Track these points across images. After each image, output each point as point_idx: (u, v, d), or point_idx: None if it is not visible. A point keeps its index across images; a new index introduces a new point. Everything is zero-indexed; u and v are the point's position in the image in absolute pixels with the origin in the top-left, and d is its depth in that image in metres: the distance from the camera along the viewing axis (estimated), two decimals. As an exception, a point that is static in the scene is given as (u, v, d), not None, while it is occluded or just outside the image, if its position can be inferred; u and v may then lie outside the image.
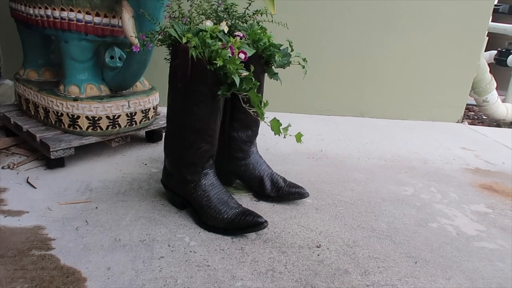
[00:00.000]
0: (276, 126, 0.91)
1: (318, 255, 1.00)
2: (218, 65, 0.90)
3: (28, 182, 1.21)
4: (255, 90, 0.92)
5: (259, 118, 0.93)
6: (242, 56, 0.92)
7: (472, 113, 2.98)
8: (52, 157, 1.25)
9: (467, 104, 2.42)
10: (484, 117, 2.87)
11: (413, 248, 1.07)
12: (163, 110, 1.41)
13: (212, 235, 1.03)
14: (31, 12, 1.29)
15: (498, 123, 2.74)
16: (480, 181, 1.54)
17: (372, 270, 0.96)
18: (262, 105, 0.94)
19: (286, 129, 0.92)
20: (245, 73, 0.93)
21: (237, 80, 0.91)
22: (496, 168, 1.68)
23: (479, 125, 2.57)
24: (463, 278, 0.97)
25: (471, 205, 1.33)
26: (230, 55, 0.91)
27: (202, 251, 0.97)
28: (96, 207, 1.12)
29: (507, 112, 2.67)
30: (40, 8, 1.26)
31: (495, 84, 2.58)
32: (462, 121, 2.35)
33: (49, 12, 1.25)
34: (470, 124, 2.45)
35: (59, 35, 1.27)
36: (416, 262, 1.00)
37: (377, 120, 2.22)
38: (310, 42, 2.06)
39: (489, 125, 2.66)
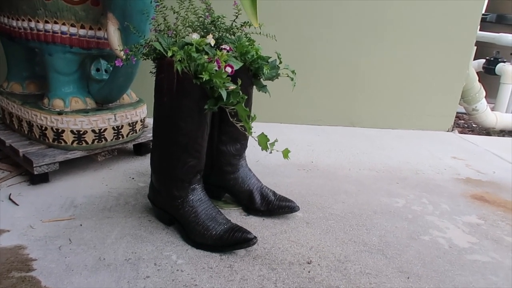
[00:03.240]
0: (263, 141, 0.89)
1: (309, 272, 0.97)
2: (204, 79, 0.88)
3: (10, 199, 1.17)
4: (243, 104, 0.91)
5: (246, 133, 0.91)
6: (228, 69, 0.90)
7: (462, 121, 3.00)
8: (36, 172, 1.21)
9: (457, 113, 2.43)
10: (474, 125, 2.89)
11: (405, 262, 1.05)
12: (151, 122, 1.39)
13: (200, 252, 1.01)
14: (14, 24, 1.26)
15: (487, 132, 2.76)
16: (471, 191, 1.53)
17: (364, 287, 0.94)
18: (250, 119, 0.93)
19: (273, 144, 0.90)
20: (232, 87, 0.91)
21: (224, 94, 0.89)
22: (487, 178, 1.68)
23: (469, 134, 2.58)
24: (456, 294, 0.95)
25: (463, 217, 1.32)
26: (217, 69, 0.89)
27: (189, 269, 0.94)
28: (81, 224, 1.08)
29: (496, 120, 2.69)
30: (23, 20, 1.24)
31: (484, 93, 2.60)
32: (452, 130, 2.35)
33: (32, 24, 1.22)
34: (460, 133, 2.46)
35: (43, 47, 1.25)
36: (408, 278, 0.99)
37: (367, 129, 2.21)
38: (299, 53, 2.06)
39: (479, 134, 2.68)
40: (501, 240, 1.20)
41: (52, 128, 1.27)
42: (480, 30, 3.07)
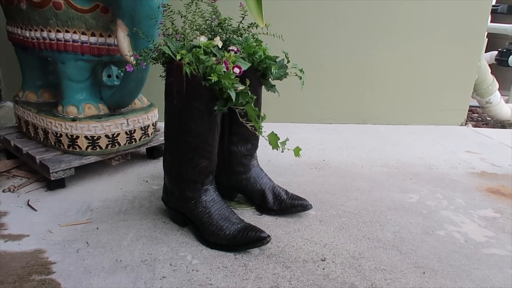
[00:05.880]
0: (274, 140, 0.90)
1: (323, 269, 0.98)
2: (213, 80, 0.89)
3: (28, 205, 1.20)
4: (252, 104, 0.91)
5: (256, 133, 0.92)
6: (236, 70, 0.91)
7: (476, 115, 2.95)
8: (52, 178, 1.24)
9: (470, 106, 2.40)
10: (488, 118, 2.84)
11: (420, 257, 1.04)
12: (163, 126, 1.41)
13: (215, 252, 1.02)
14: (27, 34, 1.30)
15: (502, 124, 2.71)
16: (486, 185, 1.51)
17: (379, 283, 0.93)
18: (260, 119, 0.94)
19: (284, 143, 0.91)
20: (241, 87, 0.92)
21: (233, 95, 0.90)
22: (503, 171, 1.65)
23: (483, 127, 2.55)
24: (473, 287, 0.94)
25: (478, 210, 1.31)
26: (225, 70, 0.90)
27: (204, 269, 0.95)
28: (97, 228, 1.10)
29: (511, 112, 2.64)
30: (36, 30, 1.27)
31: (497, 85, 2.56)
32: (465, 124, 2.32)
33: (45, 34, 1.25)
34: (474, 127, 2.43)
35: (55, 56, 1.28)
36: (424, 273, 0.98)
37: (379, 126, 2.20)
38: (308, 51, 2.06)
39: (493, 127, 2.64)
40: (518, 233, 1.18)
41: (67, 135, 1.30)
42: (491, 21, 3.02)
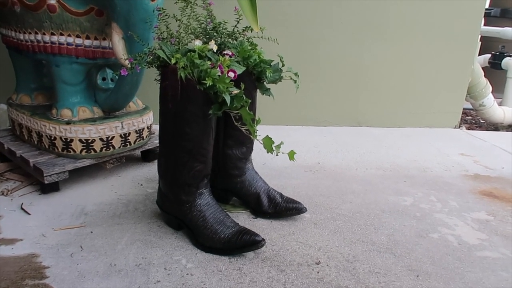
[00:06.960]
0: (268, 144, 0.90)
1: (318, 272, 0.98)
2: (207, 84, 0.89)
3: (22, 209, 1.19)
4: (247, 108, 0.92)
5: (251, 136, 0.92)
6: (231, 74, 0.91)
7: (470, 117, 2.98)
8: (46, 182, 1.24)
9: (464, 109, 2.42)
10: (481, 121, 2.87)
11: (414, 260, 1.05)
12: (158, 128, 1.41)
13: (209, 256, 1.02)
14: (22, 37, 1.29)
15: (496, 127, 2.73)
16: (480, 187, 1.52)
17: (373, 286, 0.94)
18: (254, 122, 0.94)
19: (278, 146, 0.91)
20: (235, 91, 0.92)
21: (227, 99, 0.90)
22: (496, 173, 1.66)
23: (477, 130, 2.57)
24: (466, 291, 0.95)
25: (471, 213, 1.32)
26: (220, 74, 0.90)
27: (199, 273, 0.95)
28: (91, 232, 1.10)
29: (504, 115, 2.67)
30: (30, 33, 1.26)
31: (490, 88, 2.58)
32: (459, 126, 2.34)
33: (39, 36, 1.25)
34: (468, 129, 2.45)
35: (50, 59, 1.27)
36: (418, 276, 0.99)
37: (374, 129, 2.21)
38: (302, 54, 2.07)
39: (487, 129, 2.66)
40: (510, 235, 1.19)
41: (61, 138, 1.29)
42: (484, 24, 3.05)
